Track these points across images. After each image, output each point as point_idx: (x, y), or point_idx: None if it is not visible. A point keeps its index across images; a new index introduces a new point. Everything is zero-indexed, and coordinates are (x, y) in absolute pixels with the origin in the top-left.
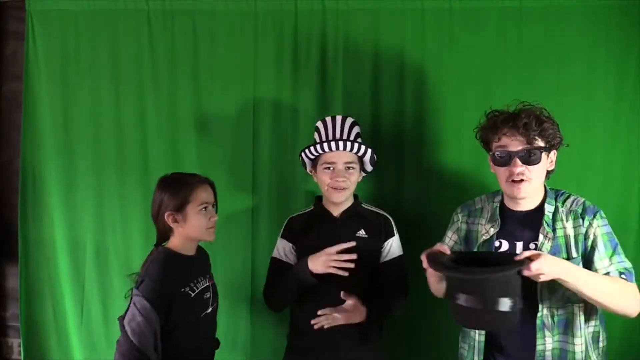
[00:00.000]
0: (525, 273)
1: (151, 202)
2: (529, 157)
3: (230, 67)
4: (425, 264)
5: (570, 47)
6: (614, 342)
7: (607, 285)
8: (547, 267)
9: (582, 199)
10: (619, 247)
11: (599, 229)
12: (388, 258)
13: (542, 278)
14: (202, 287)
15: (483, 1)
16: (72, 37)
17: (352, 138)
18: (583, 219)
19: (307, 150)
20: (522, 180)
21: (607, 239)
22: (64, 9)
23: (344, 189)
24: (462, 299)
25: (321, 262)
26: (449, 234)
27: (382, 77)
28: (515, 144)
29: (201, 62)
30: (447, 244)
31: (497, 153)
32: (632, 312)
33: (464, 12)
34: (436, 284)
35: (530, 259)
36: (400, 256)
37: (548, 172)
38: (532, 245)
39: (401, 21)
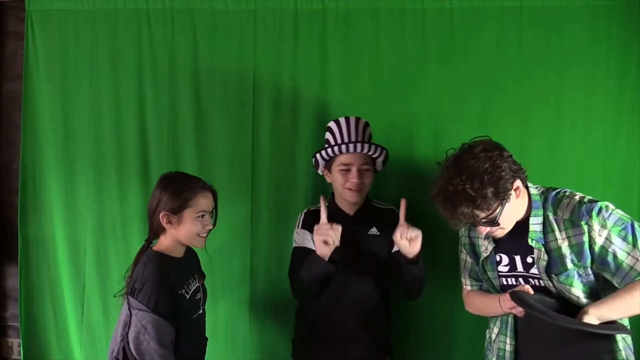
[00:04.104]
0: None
1: (150, 197)
2: (490, 223)
3: (229, 66)
4: (510, 305)
5: (570, 47)
6: None
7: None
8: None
9: (573, 203)
10: (636, 226)
11: (603, 228)
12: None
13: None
14: (194, 288)
15: (483, 1)
16: (72, 37)
17: (366, 140)
18: (578, 226)
19: (323, 152)
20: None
21: (619, 230)
22: (64, 9)
23: (360, 190)
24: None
25: (321, 235)
26: (463, 251)
27: (383, 78)
28: (469, 220)
29: (201, 62)
30: (465, 259)
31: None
32: None
33: (464, 12)
34: (489, 310)
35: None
36: None
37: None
38: (529, 259)
39: (401, 21)
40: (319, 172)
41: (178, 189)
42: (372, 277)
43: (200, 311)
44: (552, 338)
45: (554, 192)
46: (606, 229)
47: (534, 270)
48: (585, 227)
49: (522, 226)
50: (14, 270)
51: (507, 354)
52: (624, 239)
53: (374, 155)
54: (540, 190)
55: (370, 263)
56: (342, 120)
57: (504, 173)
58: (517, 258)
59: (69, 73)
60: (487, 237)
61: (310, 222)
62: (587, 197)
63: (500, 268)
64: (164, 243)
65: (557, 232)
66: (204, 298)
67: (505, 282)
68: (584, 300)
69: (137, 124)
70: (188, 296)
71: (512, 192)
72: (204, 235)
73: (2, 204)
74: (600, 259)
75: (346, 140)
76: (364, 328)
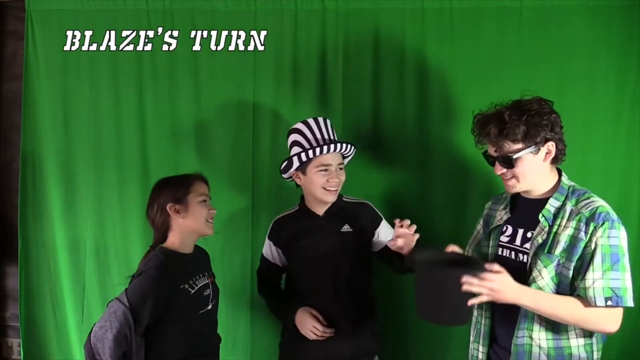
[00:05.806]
0: (465, 287)
1: (147, 205)
2: (506, 161)
3: (230, 67)
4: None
5: (570, 47)
6: (613, 342)
7: (569, 315)
8: (497, 292)
9: (597, 204)
10: (621, 264)
11: (603, 239)
12: (384, 244)
13: (485, 299)
14: (202, 284)
15: (483, 1)
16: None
17: (338, 139)
18: (588, 224)
19: (303, 155)
20: (511, 177)
21: (608, 251)
22: (64, 9)
23: (336, 189)
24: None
25: (305, 328)
26: (480, 222)
27: (382, 77)
28: (491, 149)
29: (201, 62)
30: (479, 230)
31: (484, 154)
32: (605, 330)
33: (464, 12)
34: None
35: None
36: None
37: (554, 158)
38: (528, 234)
39: (401, 21)
40: (286, 176)
41: (175, 182)
42: (351, 274)
43: (210, 307)
44: (433, 285)
45: (583, 190)
46: (601, 243)
47: (527, 246)
48: (591, 229)
49: (540, 203)
50: (14, 270)
51: (483, 328)
52: (603, 260)
53: (347, 154)
54: (571, 183)
55: (347, 260)
56: (311, 122)
57: (544, 123)
58: (520, 231)
59: (69, 73)
60: (502, 208)
61: (276, 231)
62: (610, 209)
63: (502, 238)
64: (172, 240)
65: (564, 220)
66: (213, 294)
67: (500, 253)
68: (546, 284)
69: (137, 124)
70: (193, 291)
71: (541, 148)
72: (211, 220)
73: (2, 204)
74: (581, 257)
75: (321, 141)
76: (350, 325)
